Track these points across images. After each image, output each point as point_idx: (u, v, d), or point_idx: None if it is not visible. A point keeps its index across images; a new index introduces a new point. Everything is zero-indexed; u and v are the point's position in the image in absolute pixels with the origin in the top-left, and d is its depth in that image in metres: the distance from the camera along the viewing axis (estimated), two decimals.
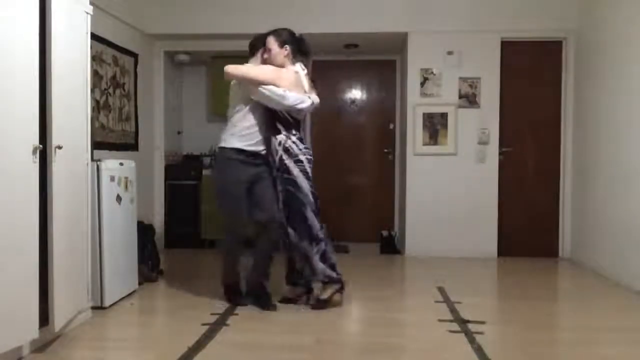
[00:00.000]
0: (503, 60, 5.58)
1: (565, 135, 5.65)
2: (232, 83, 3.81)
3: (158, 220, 6.05)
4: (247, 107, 3.70)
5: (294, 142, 3.68)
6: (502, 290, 4.64)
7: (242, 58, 6.23)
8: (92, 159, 3.52)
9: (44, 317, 2.86)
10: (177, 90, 6.63)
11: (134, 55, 5.56)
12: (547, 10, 5.53)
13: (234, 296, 3.82)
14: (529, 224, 5.68)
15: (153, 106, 6.09)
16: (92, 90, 4.26)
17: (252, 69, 3.73)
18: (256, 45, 3.86)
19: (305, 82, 3.75)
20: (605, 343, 3.13)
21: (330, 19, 5.65)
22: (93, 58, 4.29)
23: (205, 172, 6.15)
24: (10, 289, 2.55)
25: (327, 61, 6.64)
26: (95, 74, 4.72)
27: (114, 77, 5.14)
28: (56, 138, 2.91)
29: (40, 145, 2.75)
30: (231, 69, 3.70)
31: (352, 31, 5.69)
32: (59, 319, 2.96)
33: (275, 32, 3.78)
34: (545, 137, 5.69)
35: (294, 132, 3.70)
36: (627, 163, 4.46)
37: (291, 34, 3.80)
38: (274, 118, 3.69)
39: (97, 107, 4.80)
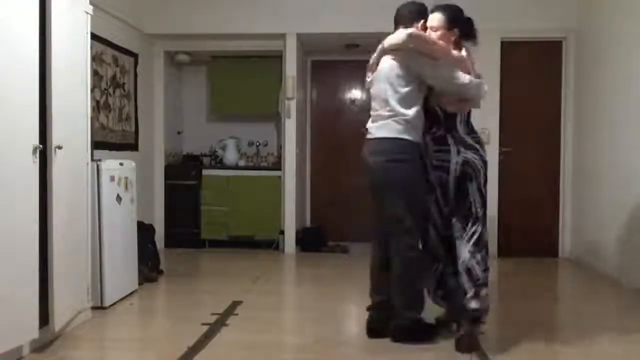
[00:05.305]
0: (503, 60, 5.58)
1: (565, 135, 5.64)
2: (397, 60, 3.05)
3: (158, 220, 6.05)
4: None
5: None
6: (502, 290, 4.63)
7: (242, 58, 6.34)
8: (92, 159, 3.52)
9: (44, 317, 2.87)
10: (177, 90, 6.62)
11: (134, 55, 5.56)
12: (547, 10, 5.53)
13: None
14: (529, 224, 5.67)
15: (153, 106, 6.09)
16: (92, 90, 4.26)
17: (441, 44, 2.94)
18: (403, 19, 3.09)
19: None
20: (606, 342, 3.13)
21: (330, 19, 5.64)
22: (93, 58, 4.28)
23: (205, 172, 6.15)
24: (10, 289, 2.55)
25: (327, 61, 6.64)
26: (95, 74, 4.72)
27: (114, 77, 5.14)
28: (56, 138, 2.91)
29: (40, 145, 2.76)
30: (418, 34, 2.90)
31: (352, 31, 5.69)
32: (59, 319, 2.96)
33: (443, 8, 3.02)
34: (545, 137, 5.68)
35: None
36: (626, 163, 4.46)
37: (461, 11, 3.04)
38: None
39: (97, 107, 4.80)
